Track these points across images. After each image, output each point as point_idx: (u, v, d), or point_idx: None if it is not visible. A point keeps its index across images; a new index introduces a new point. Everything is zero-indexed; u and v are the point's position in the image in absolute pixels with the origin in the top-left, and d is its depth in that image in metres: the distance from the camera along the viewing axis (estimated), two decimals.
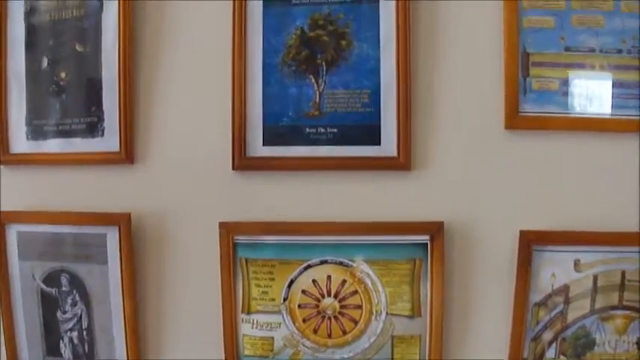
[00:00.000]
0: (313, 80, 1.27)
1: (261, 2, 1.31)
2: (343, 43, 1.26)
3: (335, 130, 1.29)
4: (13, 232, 1.38)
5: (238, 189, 1.30)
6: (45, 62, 1.40)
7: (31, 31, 1.43)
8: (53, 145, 1.41)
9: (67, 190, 1.38)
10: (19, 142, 1.44)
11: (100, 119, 1.35)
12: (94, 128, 1.37)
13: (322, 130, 1.29)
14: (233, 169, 1.29)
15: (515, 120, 1.22)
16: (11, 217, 1.40)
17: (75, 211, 1.35)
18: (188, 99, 1.34)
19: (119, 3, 1.34)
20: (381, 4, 1.28)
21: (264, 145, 1.31)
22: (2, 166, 1.44)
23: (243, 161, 1.30)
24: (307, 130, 1.29)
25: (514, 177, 1.23)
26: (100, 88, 1.36)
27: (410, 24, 1.25)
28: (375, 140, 1.29)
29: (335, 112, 1.29)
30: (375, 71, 1.28)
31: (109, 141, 1.36)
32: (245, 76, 1.30)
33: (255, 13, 1.30)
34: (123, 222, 1.30)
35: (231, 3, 1.28)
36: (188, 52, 1.34)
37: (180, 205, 1.34)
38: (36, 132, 1.42)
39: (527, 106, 1.23)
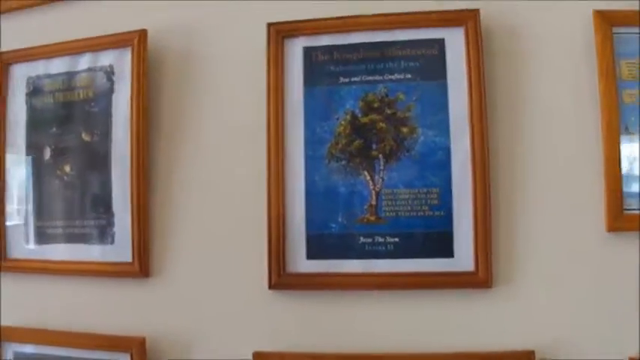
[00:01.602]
0: (368, 177, 1.08)
1: (302, 80, 1.11)
2: (404, 130, 1.07)
3: (396, 239, 1.07)
4: (9, 353, 1.20)
5: (276, 312, 1.10)
6: (48, 152, 1.24)
7: (33, 115, 1.27)
8: (58, 251, 1.23)
9: (73, 304, 1.21)
10: (19, 246, 1.27)
11: (110, 223, 1.18)
12: (103, 234, 1.18)
13: (380, 239, 1.07)
14: (270, 287, 1.08)
15: (619, 220, 1.00)
16: (9, 334, 1.22)
17: (81, 332, 1.18)
18: (214, 200, 1.15)
19: (132, 84, 1.17)
20: (450, 80, 1.06)
21: (308, 258, 1.10)
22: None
23: (282, 278, 1.09)
24: (361, 239, 1.08)
25: (619, 292, 1.01)
26: (110, 186, 1.19)
27: (486, 105, 1.04)
28: (447, 251, 1.06)
29: (396, 216, 1.07)
30: (445, 165, 1.06)
31: (121, 249, 1.17)
32: (284, 173, 1.10)
33: (294, 93, 1.12)
34: (136, 347, 1.12)
35: (265, 80, 1.10)
36: (214, 142, 1.16)
37: (205, 329, 1.14)
38: (38, 235, 1.25)
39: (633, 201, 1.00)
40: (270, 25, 1.08)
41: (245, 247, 1.11)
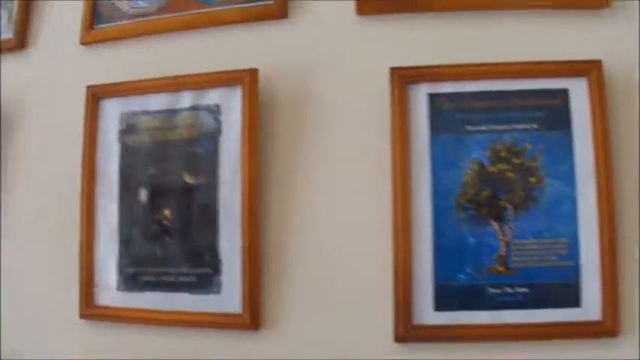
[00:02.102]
0: (497, 227, 1.06)
1: (428, 127, 1.10)
2: (532, 180, 1.07)
3: (525, 289, 1.06)
4: None
5: None
6: (144, 195, 1.19)
7: (127, 154, 1.22)
8: (152, 300, 1.17)
9: (170, 357, 1.16)
10: (108, 293, 1.21)
11: (217, 271, 1.13)
12: (207, 282, 1.13)
13: (509, 290, 1.06)
14: (396, 340, 1.06)
15: None
16: None
17: None
18: (333, 248, 1.11)
19: (243, 125, 1.13)
20: (575, 130, 1.08)
21: (435, 309, 1.07)
22: (85, 321, 1.21)
23: (409, 330, 1.06)
24: (490, 290, 1.06)
25: None
26: (217, 232, 1.14)
27: (611, 156, 1.06)
28: (574, 301, 1.06)
29: (525, 267, 1.06)
30: (572, 215, 1.06)
31: (228, 299, 1.12)
32: (410, 222, 1.08)
33: (420, 141, 1.10)
34: None
35: (388, 126, 1.09)
36: (331, 188, 1.13)
37: None
38: (130, 282, 1.19)
39: None
40: (393, 69, 1.06)
41: (368, 297, 1.08)
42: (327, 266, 1.10)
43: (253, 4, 1.17)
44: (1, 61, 1.34)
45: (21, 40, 1.33)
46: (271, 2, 1.16)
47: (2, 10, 1.36)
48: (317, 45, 1.15)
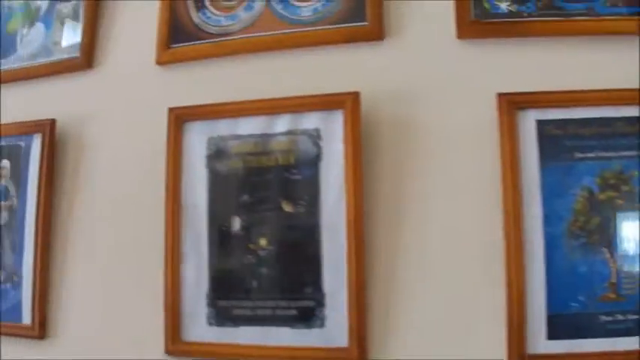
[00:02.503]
0: (608, 255, 1.06)
1: (538, 155, 1.10)
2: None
3: (636, 316, 1.06)
4: None
5: None
6: (237, 224, 1.15)
7: (217, 180, 1.18)
8: (246, 335, 1.13)
9: None
10: (198, 327, 1.16)
11: (320, 304, 1.10)
12: (309, 316, 1.11)
13: (621, 317, 1.06)
14: None
15: None
16: None
17: None
18: (442, 278, 1.10)
19: (346, 151, 1.11)
20: None
21: (548, 338, 1.06)
22: (171, 358, 1.16)
23: (523, 359, 1.04)
24: (603, 318, 1.06)
25: None
26: (320, 263, 1.11)
27: None
28: None
29: (635, 294, 1.07)
30: None
31: (333, 333, 1.09)
32: (522, 251, 1.06)
33: (531, 168, 1.09)
34: None
35: (498, 157, 1.08)
36: (440, 215, 1.11)
37: None
38: (222, 316, 1.15)
39: None
40: (501, 95, 1.05)
41: (479, 326, 1.08)
42: (436, 296, 1.09)
43: (346, 24, 1.15)
44: (67, 81, 1.31)
45: (88, 60, 1.29)
46: (366, 23, 1.13)
47: (66, 28, 1.28)
48: (416, 69, 1.15)
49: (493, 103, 1.09)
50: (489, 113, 1.09)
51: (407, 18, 1.16)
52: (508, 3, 1.14)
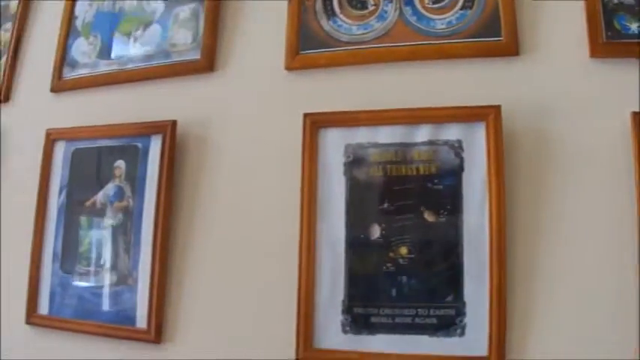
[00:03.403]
0: None
1: None
2: None
3: None
4: None
5: None
6: (376, 232, 1.19)
7: (356, 188, 1.21)
8: (383, 343, 1.15)
9: None
10: (332, 335, 1.18)
11: (460, 313, 1.15)
12: (449, 324, 1.14)
13: None
14: None
15: None
16: None
17: None
18: (583, 291, 1.12)
19: (489, 164, 1.15)
20: None
21: None
22: None
23: None
24: None
25: None
26: (461, 272, 1.15)
27: None
28: None
29: None
30: None
31: (473, 342, 1.12)
32: None
33: None
34: None
35: (633, 172, 1.12)
36: (578, 231, 1.14)
37: None
38: (358, 323, 1.17)
39: None
40: (635, 114, 1.09)
41: (618, 335, 1.10)
42: (577, 308, 1.13)
43: (481, 39, 1.18)
44: (186, 83, 1.36)
45: (210, 62, 1.31)
46: (501, 39, 1.18)
47: (184, 31, 1.28)
48: (551, 84, 1.23)
49: (626, 120, 1.12)
50: (621, 130, 1.12)
51: (540, 35, 1.22)
52: (639, 24, 1.18)
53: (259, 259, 1.24)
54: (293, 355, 1.17)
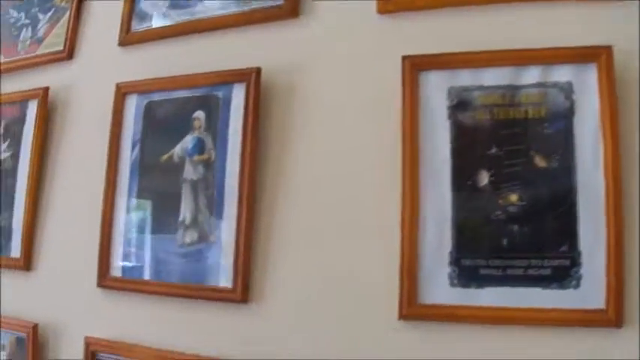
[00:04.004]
0: None
1: None
2: None
3: None
4: None
5: None
6: (485, 178, 1.14)
7: (460, 134, 1.15)
8: (492, 297, 1.10)
9: None
10: (438, 289, 1.12)
11: (575, 263, 1.08)
12: (563, 276, 1.08)
13: None
14: None
15: None
16: None
17: None
18: None
19: (602, 105, 1.08)
20: None
21: None
22: (405, 322, 1.12)
23: None
24: None
25: None
26: (576, 220, 1.08)
27: None
28: None
29: None
30: None
31: (588, 295, 1.06)
32: None
33: None
34: None
35: None
36: None
37: None
38: (466, 276, 1.12)
39: None
40: None
41: None
42: None
43: None
44: (268, 30, 1.31)
45: (294, 8, 1.30)
46: None
47: None
48: None
49: None
50: None
51: None
52: None
53: (355, 210, 1.20)
54: (396, 312, 1.13)
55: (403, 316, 1.13)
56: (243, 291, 1.22)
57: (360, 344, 1.16)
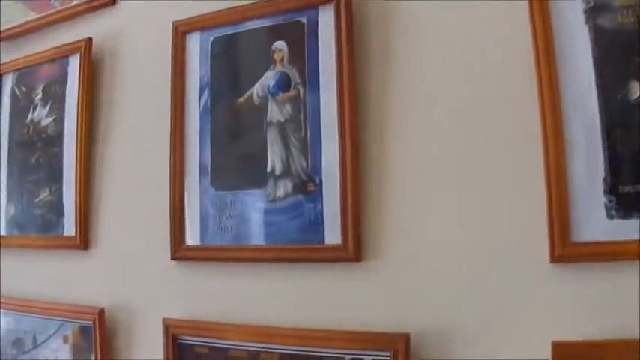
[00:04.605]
0: None
1: None
2: None
3: None
4: None
5: None
6: (636, 90, 0.95)
7: (601, 40, 0.97)
8: None
9: None
10: (594, 223, 0.95)
11: None
12: None
13: None
14: None
15: None
16: None
17: None
18: None
19: None
20: None
21: None
22: (558, 265, 0.96)
23: None
24: None
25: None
26: None
27: None
28: None
29: None
30: None
31: None
32: None
33: None
34: None
35: None
36: None
37: None
38: (626, 206, 0.94)
39: None
40: None
41: None
42: None
43: None
44: None
45: None
46: None
47: None
48: None
49: None
50: None
51: None
52: None
53: (484, 143, 1.02)
54: (546, 254, 0.97)
55: (555, 258, 0.96)
56: (355, 247, 1.05)
57: (506, 296, 0.99)
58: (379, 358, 1.03)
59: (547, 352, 0.94)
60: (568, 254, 0.97)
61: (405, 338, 1.02)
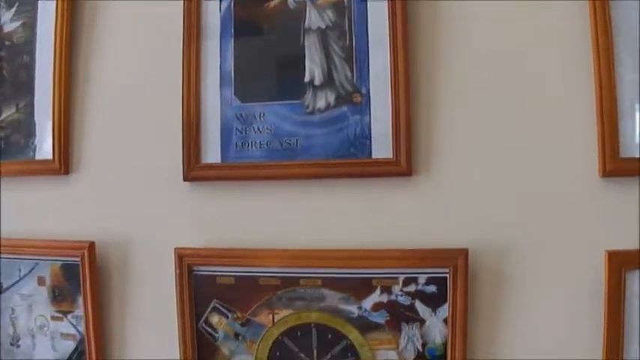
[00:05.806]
0: None
1: None
2: None
3: None
4: None
5: None
6: None
7: None
8: None
9: None
10: None
11: None
12: None
13: None
14: None
15: None
16: None
17: None
18: None
19: None
20: None
21: None
22: (604, 180, 1.01)
23: None
24: None
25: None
26: None
27: None
28: None
29: None
30: None
31: None
32: None
33: None
34: None
35: None
36: None
37: None
38: None
39: None
40: None
41: None
42: None
43: None
44: None
45: None
46: None
47: None
48: None
49: None
50: None
51: None
52: None
53: (536, 51, 1.00)
54: (595, 169, 0.99)
55: (606, 172, 1.00)
56: (407, 161, 1.03)
57: (558, 210, 1.01)
58: (436, 276, 1.03)
59: (600, 262, 0.99)
60: (618, 169, 1.00)
61: (465, 253, 1.02)
